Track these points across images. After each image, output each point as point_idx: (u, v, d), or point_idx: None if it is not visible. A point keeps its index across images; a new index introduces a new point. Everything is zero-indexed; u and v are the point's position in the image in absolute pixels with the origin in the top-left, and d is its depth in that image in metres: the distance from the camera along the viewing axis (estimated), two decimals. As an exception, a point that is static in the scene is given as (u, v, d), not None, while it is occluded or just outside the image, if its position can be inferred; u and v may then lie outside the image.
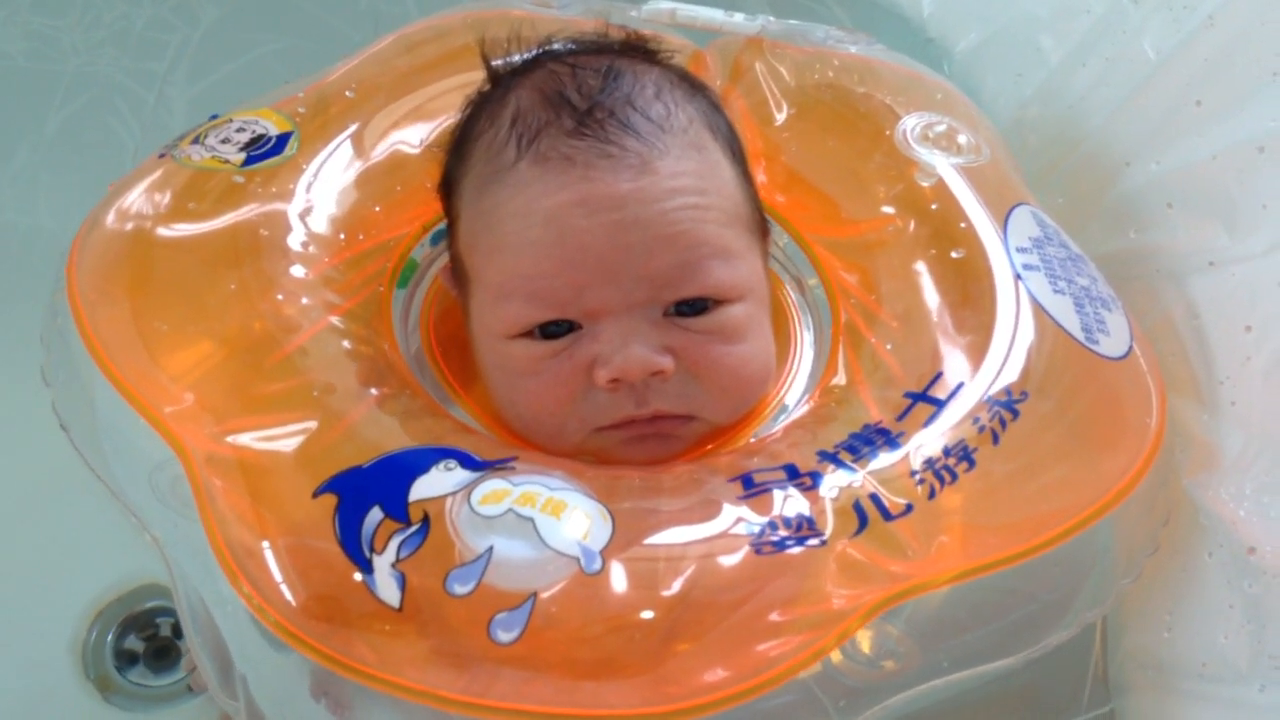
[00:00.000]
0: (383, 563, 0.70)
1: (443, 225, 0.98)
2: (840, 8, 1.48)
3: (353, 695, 0.72)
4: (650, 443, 0.85)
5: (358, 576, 0.70)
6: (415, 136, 1.02)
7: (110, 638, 1.26)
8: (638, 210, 0.81)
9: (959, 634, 0.77)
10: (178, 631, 1.28)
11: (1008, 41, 1.28)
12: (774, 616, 0.71)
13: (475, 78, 0.97)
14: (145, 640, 1.27)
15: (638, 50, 0.94)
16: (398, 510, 0.72)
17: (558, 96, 0.86)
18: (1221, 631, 0.86)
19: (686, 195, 0.83)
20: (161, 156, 0.95)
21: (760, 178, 1.02)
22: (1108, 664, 0.96)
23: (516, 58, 0.95)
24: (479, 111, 0.92)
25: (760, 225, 0.92)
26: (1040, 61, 1.21)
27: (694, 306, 0.84)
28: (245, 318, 0.84)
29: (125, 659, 1.26)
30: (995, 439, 0.81)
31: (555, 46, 0.95)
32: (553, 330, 0.84)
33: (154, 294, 0.85)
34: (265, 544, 0.72)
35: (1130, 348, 0.89)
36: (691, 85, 0.93)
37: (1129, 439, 0.84)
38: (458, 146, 0.93)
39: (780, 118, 1.07)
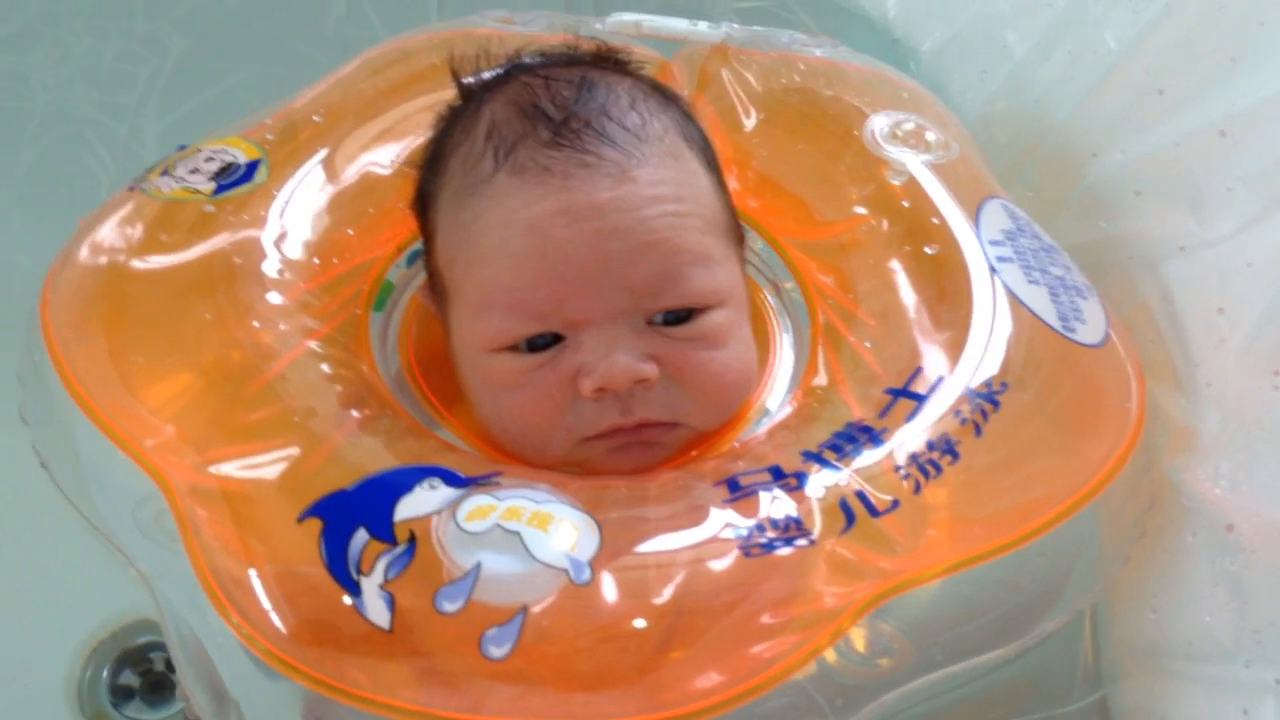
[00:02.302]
0: (370, 584, 0.70)
1: (418, 246, 0.98)
2: (805, 12, 1.49)
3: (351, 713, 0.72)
4: (635, 451, 0.85)
5: (346, 599, 0.70)
6: (385, 158, 1.02)
7: (105, 674, 1.25)
8: (617, 219, 0.82)
9: (952, 628, 0.78)
10: (172, 666, 1.27)
11: (972, 38, 1.30)
12: (766, 619, 0.71)
13: (443, 97, 0.97)
14: (140, 675, 1.26)
15: (609, 61, 0.95)
16: (383, 531, 0.72)
17: (532, 108, 0.86)
18: (1206, 611, 0.86)
19: (665, 203, 0.83)
20: (131, 190, 0.95)
21: (732, 184, 1.02)
22: (1098, 651, 0.97)
23: (486, 74, 0.95)
24: (452, 126, 0.92)
25: (736, 231, 0.93)
26: (1005, 57, 1.22)
27: (676, 315, 0.84)
28: (222, 347, 0.84)
29: (120, 695, 1.25)
30: (978, 431, 0.81)
31: (525, 60, 0.95)
32: (536, 343, 0.84)
33: (129, 328, 0.85)
34: (252, 572, 0.72)
35: (1107, 334, 0.90)
36: (664, 95, 0.93)
37: (1110, 425, 0.85)
38: (432, 161, 0.93)
39: (749, 123, 1.08)
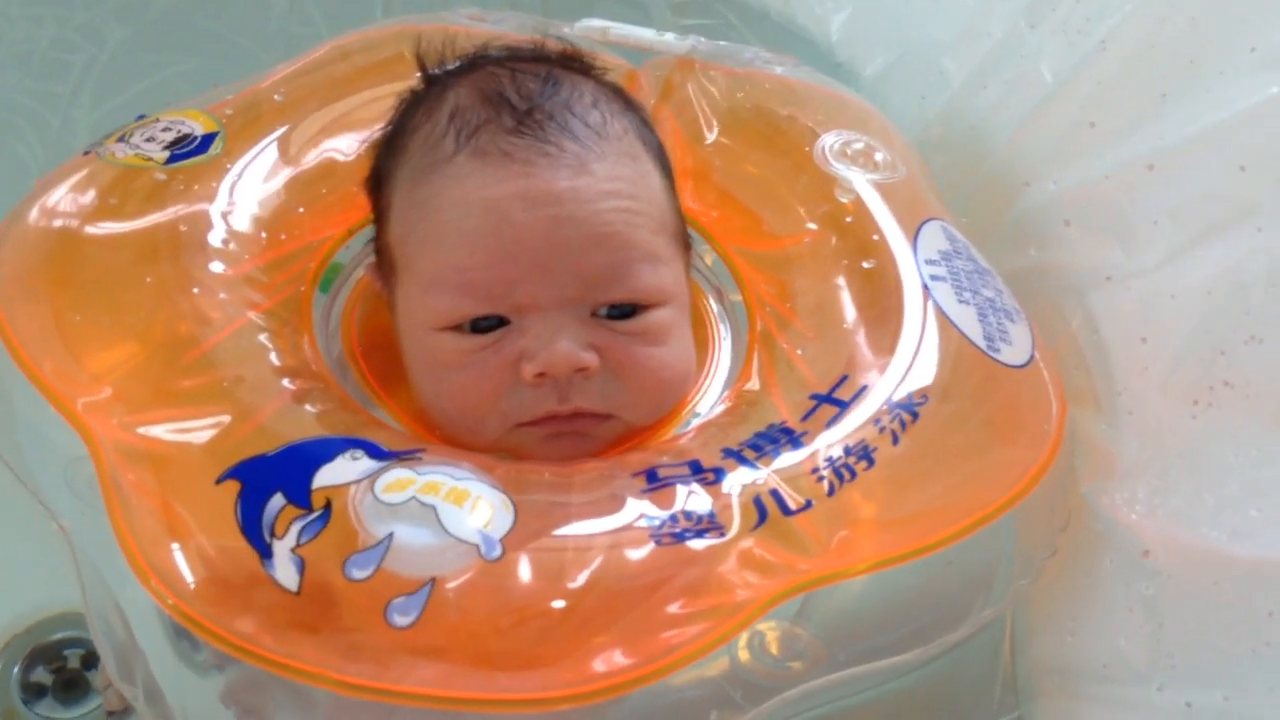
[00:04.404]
0: (282, 547, 0.70)
1: (369, 230, 0.98)
2: (752, 34, 1.51)
3: (272, 699, 0.72)
4: (567, 440, 0.86)
5: (257, 561, 0.70)
6: (344, 142, 1.03)
7: (16, 670, 1.22)
8: (574, 208, 0.83)
9: (861, 630, 0.79)
10: (86, 663, 1.24)
11: (912, 65, 1.32)
12: (675, 607, 0.72)
13: (407, 86, 0.97)
14: (53, 673, 1.24)
15: (574, 62, 0.96)
16: (300, 496, 0.72)
17: (497, 96, 0.87)
18: (1122, 634, 0.88)
19: (620, 199, 0.85)
20: (87, 154, 0.95)
21: (690, 194, 1.04)
22: (1016, 670, 0.99)
23: (451, 64, 0.97)
24: (414, 108, 0.93)
25: (684, 238, 0.94)
26: (943, 84, 1.25)
27: (621, 309, 0.86)
28: (164, 314, 0.85)
29: (32, 692, 1.22)
30: (895, 440, 0.83)
31: (492, 53, 0.97)
32: (480, 324, 0.85)
33: (74, 290, 0.85)
34: (169, 532, 0.72)
35: (1032, 357, 0.91)
36: (625, 100, 0.95)
37: (1027, 443, 0.87)
38: (390, 140, 0.94)
39: (710, 136, 1.09)
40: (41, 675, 1.23)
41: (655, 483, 0.78)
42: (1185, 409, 0.88)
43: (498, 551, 0.71)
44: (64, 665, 1.23)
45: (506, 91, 0.88)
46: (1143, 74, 0.98)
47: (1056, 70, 1.08)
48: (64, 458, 0.78)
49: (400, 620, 0.68)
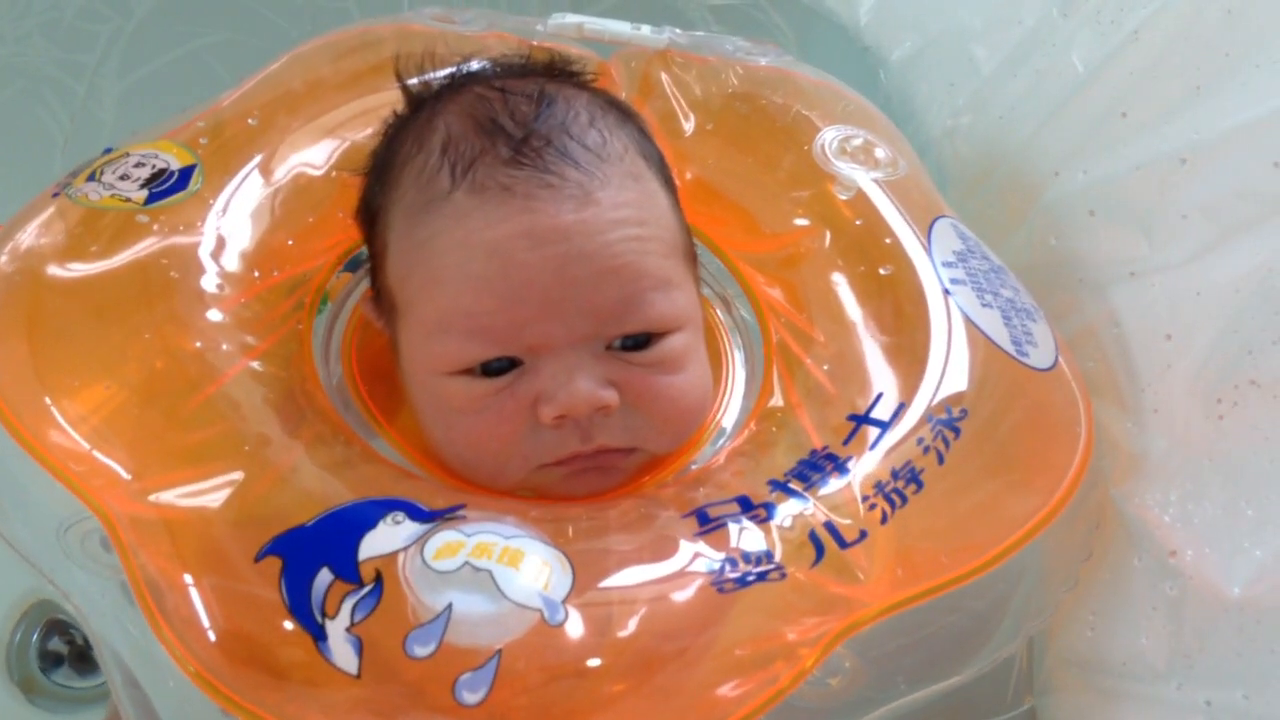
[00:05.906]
0: (337, 627, 0.67)
1: (360, 252, 0.95)
2: (780, 15, 1.49)
3: None
4: (591, 476, 0.84)
5: (311, 643, 0.67)
6: (322, 165, 0.98)
7: (35, 639, 1.24)
8: (582, 243, 0.80)
9: (907, 652, 0.77)
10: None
11: (941, 51, 1.29)
12: (738, 653, 0.71)
13: (383, 99, 0.95)
14: (68, 643, 1.25)
15: (564, 73, 0.92)
16: (348, 570, 0.69)
17: (490, 123, 0.83)
18: (1144, 633, 0.88)
19: (628, 227, 0.82)
20: (55, 195, 0.89)
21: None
22: (1034, 664, 0.98)
23: (431, 77, 0.93)
24: (401, 135, 0.88)
25: (691, 252, 0.91)
26: (973, 71, 1.22)
27: (635, 340, 0.83)
28: (154, 362, 0.80)
29: (50, 660, 1.24)
30: (940, 459, 0.82)
31: (476, 68, 0.93)
32: (492, 367, 0.82)
33: (54, 341, 0.80)
34: (205, 614, 0.69)
35: (1056, 358, 0.90)
36: (621, 111, 0.91)
37: (1062, 450, 0.86)
38: (380, 172, 0.89)
39: (689, 128, 1.06)
40: (58, 645, 1.24)
41: (708, 524, 0.76)
42: (1211, 408, 0.88)
43: (561, 615, 0.69)
44: (74, 639, 1.24)
45: (499, 117, 0.83)
46: (1177, 66, 0.96)
47: (1088, 60, 1.05)
48: (54, 522, 0.73)
49: (470, 698, 0.66)
